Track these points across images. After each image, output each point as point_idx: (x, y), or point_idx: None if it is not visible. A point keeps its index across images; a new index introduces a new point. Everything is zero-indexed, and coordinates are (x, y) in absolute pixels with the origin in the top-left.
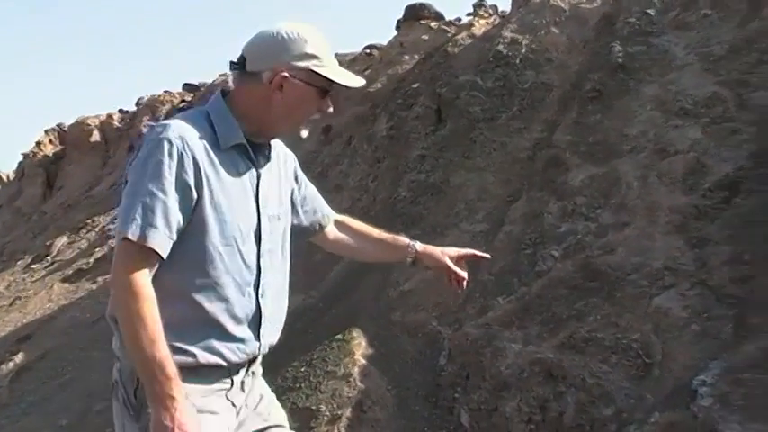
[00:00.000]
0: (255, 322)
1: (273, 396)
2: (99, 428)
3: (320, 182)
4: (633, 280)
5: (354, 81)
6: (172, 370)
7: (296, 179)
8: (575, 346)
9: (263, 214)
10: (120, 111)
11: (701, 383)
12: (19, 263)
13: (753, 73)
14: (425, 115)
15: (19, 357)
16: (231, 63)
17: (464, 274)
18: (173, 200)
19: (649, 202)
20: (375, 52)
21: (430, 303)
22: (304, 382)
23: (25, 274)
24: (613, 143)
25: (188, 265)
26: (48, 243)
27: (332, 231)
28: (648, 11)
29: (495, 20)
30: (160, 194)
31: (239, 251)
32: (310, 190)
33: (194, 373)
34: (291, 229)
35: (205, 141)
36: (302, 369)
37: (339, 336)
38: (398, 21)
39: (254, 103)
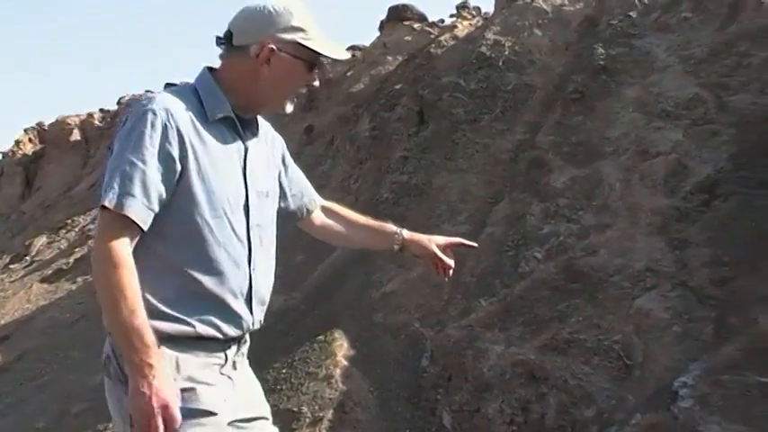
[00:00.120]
0: (248, 297)
1: (260, 386)
2: (76, 431)
3: None
4: (615, 281)
5: (340, 53)
6: (150, 338)
7: (283, 162)
8: (557, 348)
9: (250, 188)
10: (101, 110)
11: (682, 385)
12: None
13: (732, 76)
14: (408, 116)
15: None
16: (217, 38)
17: (451, 262)
18: (153, 170)
19: (631, 203)
20: (358, 53)
21: (412, 305)
22: (285, 383)
23: (3, 275)
24: (596, 145)
25: (180, 238)
26: (27, 243)
27: (318, 217)
28: (630, 13)
29: (478, 21)
30: (140, 164)
31: (229, 223)
32: (298, 174)
33: (192, 344)
34: (278, 213)
35: (192, 114)
36: (283, 370)
37: (321, 337)
38: (381, 21)
39: (242, 77)
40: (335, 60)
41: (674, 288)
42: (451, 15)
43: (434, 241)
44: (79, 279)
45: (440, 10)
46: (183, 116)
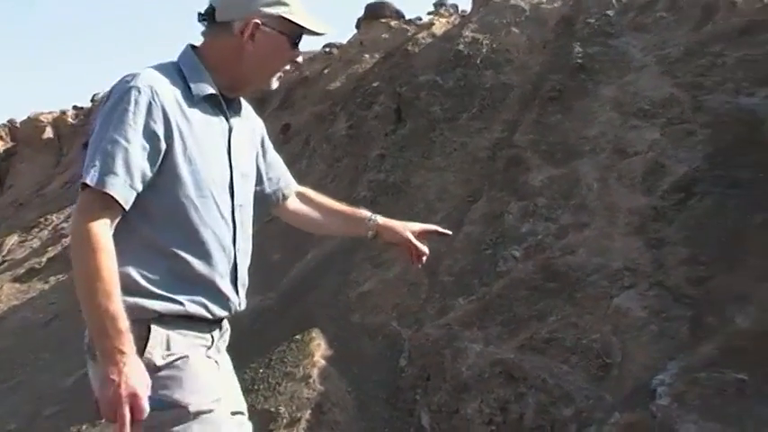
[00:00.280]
0: (233, 277)
1: (237, 381)
2: None
3: None
4: (593, 281)
5: (323, 27)
6: (124, 324)
7: (262, 144)
8: (535, 347)
9: (235, 168)
10: (75, 107)
11: (660, 383)
12: None
13: (707, 76)
14: (385, 115)
15: None
16: (199, 14)
17: (425, 249)
18: (136, 148)
19: (609, 202)
20: (335, 51)
21: (389, 304)
22: (262, 383)
23: None
24: (573, 144)
25: (166, 218)
26: None
27: (292, 202)
28: (607, 12)
29: (455, 19)
30: (123, 142)
31: (215, 203)
32: (275, 158)
33: (181, 322)
34: (254, 197)
35: (177, 91)
36: (260, 371)
37: (298, 336)
38: (358, 19)
39: (226, 55)
40: (319, 34)
41: (652, 287)
42: (429, 13)
43: (409, 228)
44: (52, 279)
45: (417, 8)
46: (168, 94)
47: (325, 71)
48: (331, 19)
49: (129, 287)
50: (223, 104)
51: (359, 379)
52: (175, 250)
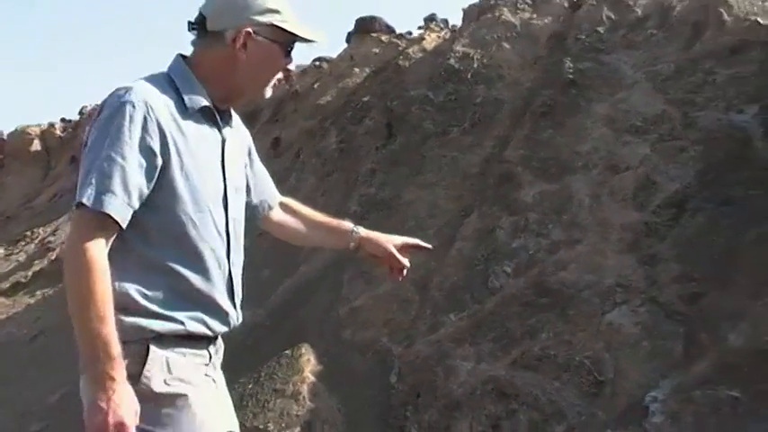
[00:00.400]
0: (230, 291)
1: (230, 399)
2: None
3: None
4: (586, 297)
5: (317, 35)
6: (116, 350)
7: (249, 155)
8: (527, 364)
9: (228, 181)
10: (63, 120)
11: (653, 401)
12: None
13: (698, 93)
14: (376, 129)
15: None
16: (189, 24)
17: (406, 262)
18: (133, 165)
19: (601, 218)
20: (325, 65)
21: (380, 320)
22: (251, 400)
23: None
24: (565, 159)
25: (163, 235)
26: None
27: (276, 214)
28: (598, 29)
29: (446, 34)
30: (119, 159)
31: (212, 217)
32: (261, 168)
33: (181, 342)
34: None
35: (170, 104)
36: (249, 387)
37: (288, 353)
38: (349, 33)
39: (218, 65)
40: (312, 42)
41: (644, 304)
42: (419, 28)
43: (391, 241)
44: (38, 293)
45: (407, 22)
46: (162, 107)
47: (316, 85)
48: None
49: (128, 307)
50: (216, 116)
51: (349, 396)
52: (174, 267)
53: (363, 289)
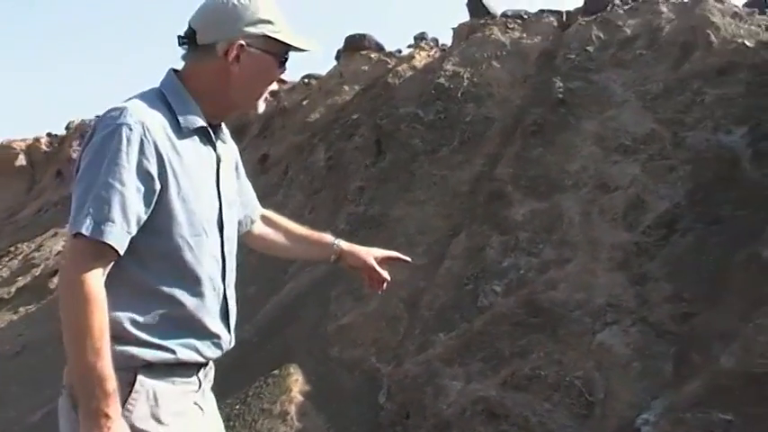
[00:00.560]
0: (224, 314)
1: (221, 423)
2: None
3: None
4: (576, 317)
5: (311, 45)
6: (111, 386)
7: (236, 169)
8: (517, 384)
9: (223, 200)
10: (49, 134)
11: (644, 422)
12: None
13: (687, 113)
14: (365, 146)
15: None
16: (179, 38)
17: (386, 275)
18: (132, 191)
19: (591, 237)
20: (314, 82)
21: (368, 339)
22: (238, 420)
23: None
24: (555, 178)
25: (158, 259)
26: None
27: (257, 227)
28: (588, 48)
29: (435, 53)
30: (117, 185)
31: (208, 240)
32: (246, 182)
33: (170, 370)
34: None
35: (165, 124)
36: (236, 407)
37: (275, 372)
38: (338, 51)
39: (211, 79)
40: (306, 52)
41: (635, 324)
42: (409, 46)
43: (372, 254)
44: (21, 309)
45: (397, 41)
46: (158, 128)
47: (304, 102)
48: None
49: (119, 334)
50: (211, 135)
51: (337, 415)
52: (167, 292)
53: (352, 306)
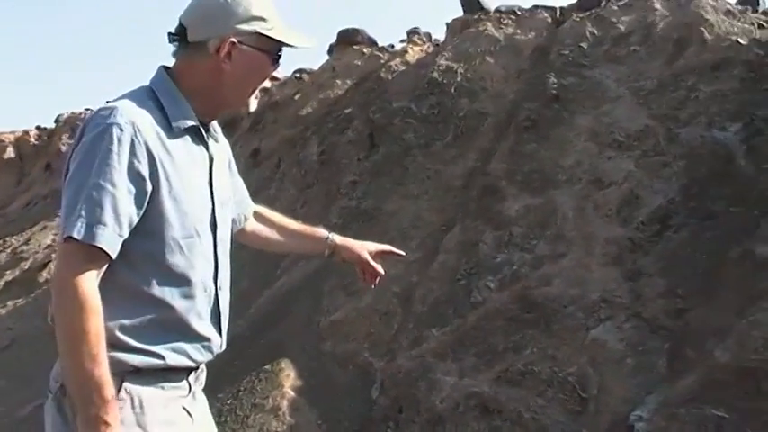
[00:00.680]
0: (216, 317)
1: (213, 423)
2: None
3: None
4: (570, 312)
5: (305, 41)
6: (110, 392)
7: (229, 167)
8: (511, 380)
9: (216, 200)
10: (38, 127)
11: (638, 418)
12: None
13: (681, 109)
14: (358, 140)
15: None
16: (169, 35)
17: (380, 269)
18: (123, 193)
19: (585, 233)
20: (305, 76)
21: (361, 333)
22: (230, 415)
23: None
24: (549, 173)
25: (149, 262)
26: None
27: (250, 223)
28: (581, 44)
29: (428, 47)
30: (108, 187)
31: (200, 241)
32: (239, 180)
33: (159, 375)
34: None
35: (156, 124)
36: (228, 402)
37: (267, 366)
38: (331, 45)
39: (203, 78)
40: (300, 48)
41: (629, 319)
42: (402, 41)
43: (366, 247)
44: (9, 303)
45: (390, 35)
46: (149, 128)
47: (296, 96)
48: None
49: (108, 340)
50: (203, 134)
51: (330, 410)
52: (158, 295)
53: (344, 301)
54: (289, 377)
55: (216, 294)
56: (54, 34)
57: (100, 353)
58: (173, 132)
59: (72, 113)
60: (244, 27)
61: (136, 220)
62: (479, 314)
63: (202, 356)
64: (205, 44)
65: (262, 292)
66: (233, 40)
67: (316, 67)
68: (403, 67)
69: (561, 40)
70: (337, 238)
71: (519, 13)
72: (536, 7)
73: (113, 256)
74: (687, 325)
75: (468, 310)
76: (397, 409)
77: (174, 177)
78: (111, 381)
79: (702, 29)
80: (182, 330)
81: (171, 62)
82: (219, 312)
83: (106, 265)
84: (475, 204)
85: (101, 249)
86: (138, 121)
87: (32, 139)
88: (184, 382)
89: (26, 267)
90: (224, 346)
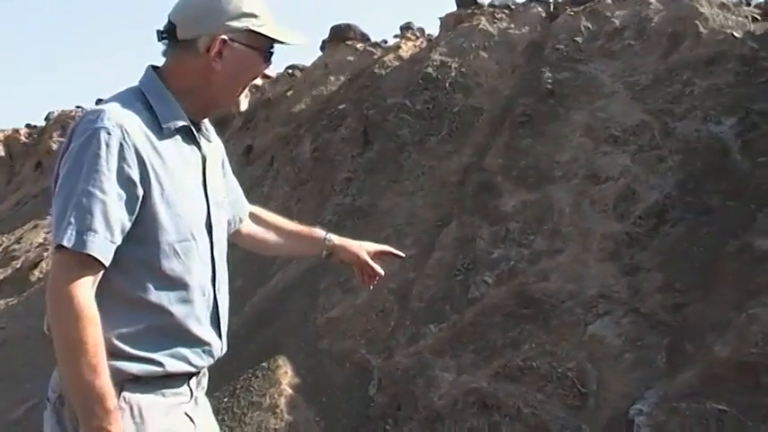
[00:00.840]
0: (215, 321)
1: (216, 425)
2: None
3: None
4: (568, 307)
5: (297, 38)
6: (112, 402)
7: (222, 166)
8: (509, 376)
9: (211, 201)
10: (28, 126)
11: (638, 413)
12: None
13: (676, 103)
14: (352, 137)
15: None
16: (158, 33)
17: (380, 270)
18: (113, 198)
19: (582, 228)
20: (298, 73)
21: (358, 331)
22: (227, 413)
23: None
24: (545, 168)
25: (144, 268)
26: None
27: (246, 225)
28: (576, 38)
29: (422, 43)
30: (98, 193)
31: (196, 245)
32: (233, 180)
33: (160, 382)
34: None
35: (145, 127)
36: (225, 400)
37: (264, 364)
38: (323, 41)
39: (192, 77)
40: (292, 45)
41: (627, 314)
42: (395, 36)
43: (364, 248)
44: (1, 302)
45: (382, 31)
46: (138, 131)
47: (289, 93)
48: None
49: (107, 349)
50: (195, 133)
51: (327, 408)
52: (155, 302)
53: (340, 298)
54: (286, 375)
55: (215, 298)
56: (45, 30)
57: (100, 363)
58: (163, 134)
59: (63, 111)
60: (234, 24)
61: (128, 225)
62: (477, 310)
63: (203, 361)
64: (195, 42)
65: (256, 291)
66: (224, 37)
67: (308, 64)
68: (396, 63)
69: (555, 34)
70: (335, 239)
71: (512, 7)
72: (530, 1)
73: (106, 263)
74: (686, 320)
75: (466, 306)
76: (395, 406)
77: (166, 180)
78: (113, 391)
79: (697, 22)
80: (181, 336)
81: (160, 61)
82: (219, 316)
83: (101, 273)
84: (471, 200)
85: (93, 257)
86: (126, 124)
87: (23, 138)
88: (185, 387)
89: (18, 266)
90: (225, 350)
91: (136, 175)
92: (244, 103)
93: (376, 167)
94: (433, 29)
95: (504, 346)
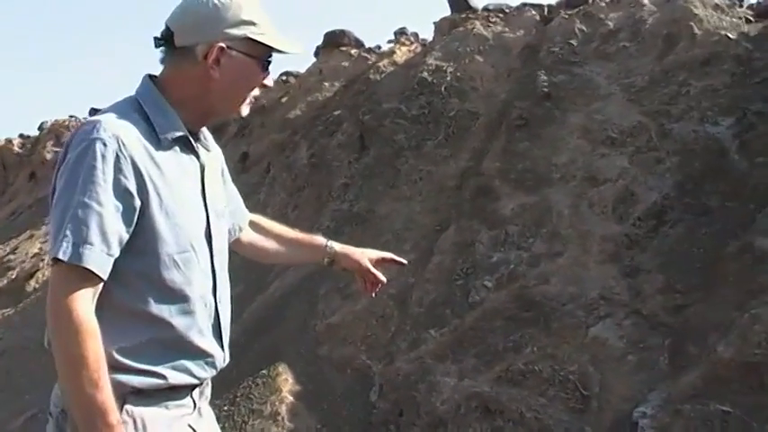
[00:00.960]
0: (217, 331)
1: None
2: None
3: None
4: (569, 310)
5: (295, 47)
6: (114, 417)
7: (222, 174)
8: (512, 380)
9: (210, 211)
10: (21, 135)
11: (642, 415)
12: None
13: (672, 104)
14: (348, 143)
15: None
16: (155, 39)
17: (383, 277)
18: (110, 210)
19: (581, 231)
20: (292, 79)
21: (358, 337)
22: (228, 421)
23: None
24: (543, 171)
25: (144, 281)
26: None
27: (246, 234)
28: (571, 41)
29: (416, 48)
30: (94, 205)
31: (196, 256)
32: (233, 188)
33: (162, 395)
34: None
35: (142, 137)
36: (225, 408)
37: (264, 372)
38: (317, 47)
39: (190, 85)
40: (290, 54)
41: (628, 316)
42: (389, 41)
43: (366, 255)
44: None
45: (376, 37)
46: (135, 142)
47: (284, 99)
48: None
49: (108, 362)
50: (193, 143)
51: (329, 415)
52: (156, 314)
53: (340, 304)
54: (286, 382)
55: (216, 308)
56: (37, 39)
57: (101, 377)
58: (161, 144)
59: (56, 121)
60: (233, 32)
61: (126, 237)
62: (477, 314)
63: (206, 373)
64: (192, 49)
65: (255, 297)
66: (221, 45)
67: (302, 70)
68: (391, 68)
69: (550, 37)
70: (337, 246)
71: (507, 11)
72: (524, 5)
73: (103, 276)
74: (687, 321)
75: (466, 310)
76: (397, 412)
77: (164, 191)
78: (115, 405)
79: (691, 24)
80: (183, 348)
81: (158, 69)
82: (220, 326)
83: (101, 286)
84: (469, 204)
85: (89, 270)
86: (122, 135)
87: (16, 148)
88: (189, 399)
89: (13, 277)
90: (227, 360)
91: (133, 187)
92: (245, 110)
93: (373, 173)
94: (428, 34)
95: (505, 350)
